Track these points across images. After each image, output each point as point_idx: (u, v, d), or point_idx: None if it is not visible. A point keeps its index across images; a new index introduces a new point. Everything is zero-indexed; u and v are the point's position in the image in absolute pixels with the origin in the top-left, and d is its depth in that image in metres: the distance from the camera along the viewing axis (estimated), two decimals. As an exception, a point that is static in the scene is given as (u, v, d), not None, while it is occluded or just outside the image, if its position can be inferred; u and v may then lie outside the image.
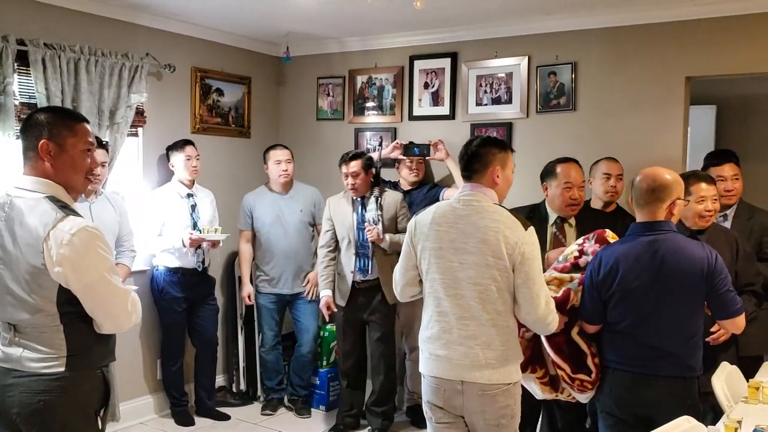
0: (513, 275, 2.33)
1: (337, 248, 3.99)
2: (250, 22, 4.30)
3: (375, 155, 4.11)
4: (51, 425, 1.94)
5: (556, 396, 2.70)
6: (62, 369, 1.94)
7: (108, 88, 3.80)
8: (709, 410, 2.68)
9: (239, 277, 4.62)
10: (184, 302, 4.10)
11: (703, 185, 2.96)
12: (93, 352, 2.01)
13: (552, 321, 2.41)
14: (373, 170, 3.94)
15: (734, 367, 2.79)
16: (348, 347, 4.03)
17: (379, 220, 3.85)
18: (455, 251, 2.37)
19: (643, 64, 3.73)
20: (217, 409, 4.32)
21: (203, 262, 4.13)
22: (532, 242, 2.36)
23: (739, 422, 2.13)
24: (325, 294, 3.98)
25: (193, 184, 4.17)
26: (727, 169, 3.32)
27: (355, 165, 3.83)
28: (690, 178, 2.98)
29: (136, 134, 4.15)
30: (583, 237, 2.76)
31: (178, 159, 4.09)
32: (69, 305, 1.93)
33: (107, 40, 3.86)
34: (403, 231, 3.85)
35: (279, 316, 4.42)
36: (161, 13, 4.07)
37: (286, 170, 4.28)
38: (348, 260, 3.91)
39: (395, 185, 4.31)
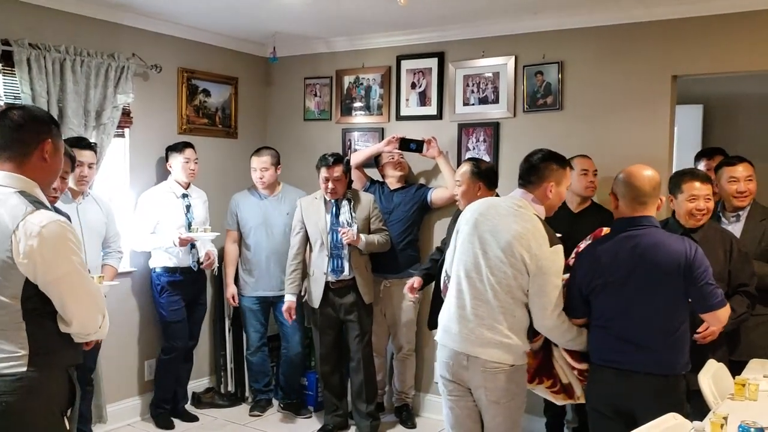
0: (528, 280, 2.51)
1: (305, 251, 4.00)
2: (237, 23, 4.28)
3: (352, 157, 4.14)
4: (15, 427, 1.89)
5: (574, 401, 2.79)
6: (24, 369, 1.89)
7: (94, 89, 3.77)
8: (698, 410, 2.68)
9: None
10: (184, 300, 4.11)
11: (697, 184, 2.93)
12: (57, 351, 1.97)
13: (564, 333, 2.56)
14: (349, 173, 3.98)
15: (721, 364, 2.79)
16: (325, 350, 4.02)
17: (353, 222, 3.85)
18: (483, 241, 2.59)
19: (630, 63, 3.74)
20: (185, 408, 4.29)
21: (198, 260, 4.13)
22: (554, 259, 2.51)
23: (725, 418, 2.13)
24: (289, 299, 3.98)
25: (189, 185, 4.17)
26: (741, 170, 3.26)
27: (338, 170, 3.83)
28: (685, 176, 3.00)
29: (122, 135, 4.13)
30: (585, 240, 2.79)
31: (176, 160, 4.09)
32: (33, 302, 1.89)
33: (93, 40, 3.83)
34: (377, 232, 3.92)
35: (263, 317, 4.40)
36: (147, 14, 4.05)
37: (262, 177, 4.28)
38: (321, 261, 3.90)
39: (383, 184, 4.31)
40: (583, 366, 2.61)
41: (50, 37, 3.60)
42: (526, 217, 2.56)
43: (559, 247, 2.54)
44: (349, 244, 3.83)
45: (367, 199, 4.00)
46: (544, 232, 2.52)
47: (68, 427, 2.02)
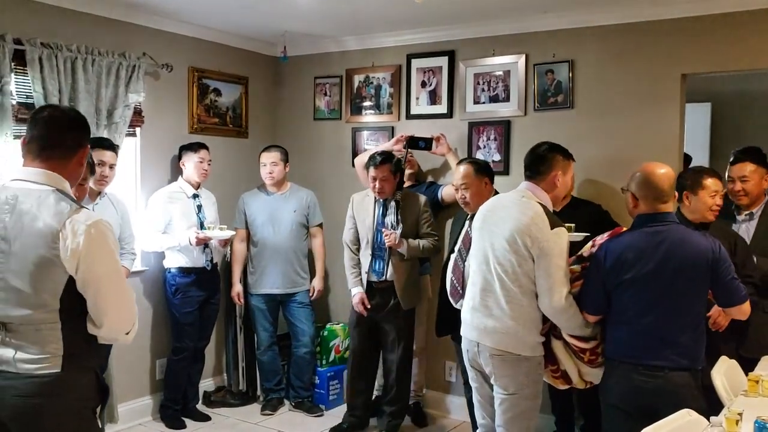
0: (533, 266, 2.58)
1: (359, 245, 3.97)
2: (247, 22, 4.30)
3: (359, 157, 4.06)
4: (47, 427, 1.90)
5: (571, 386, 2.85)
6: (58, 370, 1.90)
7: (105, 88, 3.79)
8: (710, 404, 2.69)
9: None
10: (198, 301, 4.12)
11: (717, 180, 3.03)
12: (88, 352, 1.99)
13: (570, 318, 2.58)
14: (399, 173, 3.90)
15: (733, 361, 2.81)
16: (356, 345, 4.01)
17: (398, 225, 3.82)
18: (490, 234, 2.71)
19: (639, 62, 3.74)
20: (196, 408, 4.30)
21: (211, 260, 4.15)
22: (555, 240, 2.56)
23: (740, 414, 2.14)
24: (357, 291, 3.93)
25: (199, 185, 4.19)
26: (736, 170, 3.32)
27: (385, 169, 3.80)
28: (704, 172, 3.08)
29: (134, 134, 4.15)
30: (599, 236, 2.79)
31: (190, 160, 4.11)
32: (71, 301, 1.91)
33: (104, 39, 3.85)
34: (425, 236, 3.87)
35: (272, 316, 4.41)
36: (158, 13, 4.07)
37: (271, 173, 4.29)
38: (365, 260, 3.90)
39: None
40: (590, 345, 2.62)
41: (62, 36, 3.62)
42: (528, 205, 2.64)
43: (562, 230, 2.60)
44: (390, 248, 3.81)
45: (418, 201, 3.91)
46: (544, 216, 2.59)
47: (100, 425, 2.04)
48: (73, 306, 1.92)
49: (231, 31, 4.53)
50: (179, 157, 4.18)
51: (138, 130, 4.16)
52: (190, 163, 4.11)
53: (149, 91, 4.09)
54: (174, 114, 4.36)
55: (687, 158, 4.12)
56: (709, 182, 3.01)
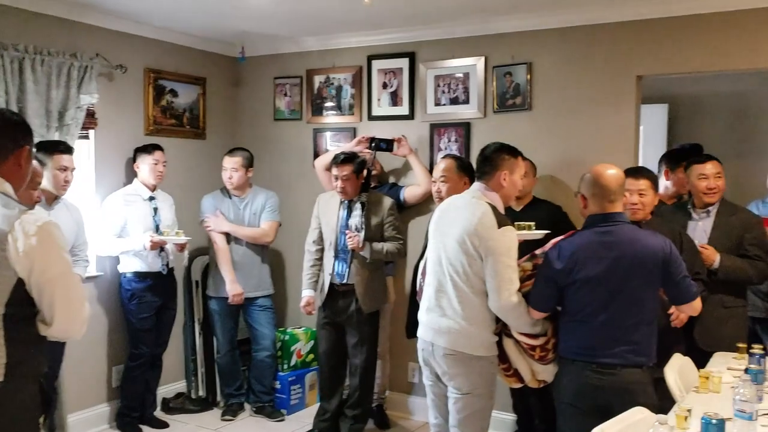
0: (482, 265, 2.61)
1: (322, 247, 3.91)
2: (204, 22, 4.23)
3: (368, 157, 3.99)
4: None
5: (524, 385, 2.87)
6: (0, 379, 1.83)
7: (56, 89, 3.69)
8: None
9: (196, 281, 4.55)
10: (154, 306, 4.03)
11: (630, 179, 2.99)
12: (32, 359, 1.93)
13: (519, 316, 2.60)
14: (364, 174, 3.85)
15: (687, 358, 2.85)
16: (325, 348, 3.97)
17: (362, 228, 3.77)
18: (443, 235, 2.75)
19: (596, 64, 3.79)
20: (154, 415, 4.22)
21: (167, 264, 4.07)
22: (502, 239, 2.60)
23: (689, 411, 2.17)
24: (306, 294, 3.91)
25: (155, 188, 4.11)
26: (710, 167, 3.35)
27: (347, 168, 3.74)
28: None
29: (87, 137, 4.05)
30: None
31: (145, 162, 4.03)
32: (17, 306, 1.84)
33: (55, 39, 3.75)
34: (390, 239, 3.83)
35: (233, 320, 4.35)
36: (112, 13, 3.98)
37: (231, 177, 4.23)
38: (327, 262, 3.85)
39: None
40: (539, 342, 2.65)
41: (9, 35, 3.51)
42: (477, 206, 2.67)
43: (508, 228, 2.63)
44: (353, 250, 3.76)
45: (384, 203, 3.85)
46: (492, 216, 2.62)
47: None
48: (19, 311, 1.86)
49: (187, 31, 4.46)
50: (134, 159, 4.10)
51: (92, 132, 4.07)
52: (145, 165, 4.04)
53: (103, 93, 4.00)
54: (129, 115, 4.27)
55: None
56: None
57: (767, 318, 3.65)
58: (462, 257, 2.64)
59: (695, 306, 2.58)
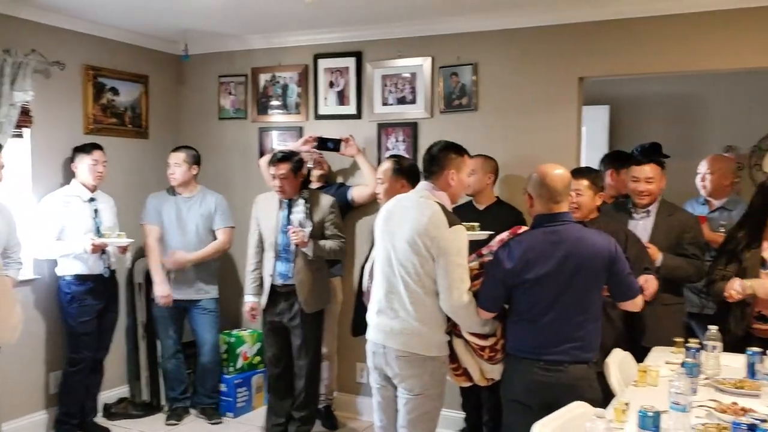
0: (434, 266, 2.59)
1: (263, 250, 3.84)
2: (146, 19, 4.12)
3: (314, 156, 3.93)
4: None
5: (473, 384, 2.89)
6: None
7: (-13, 86, 3.55)
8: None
9: (139, 283, 4.44)
10: (95, 309, 3.91)
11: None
12: None
13: (469, 316, 2.61)
14: (304, 172, 3.81)
15: (627, 353, 2.92)
16: (272, 353, 3.92)
17: (306, 223, 3.73)
18: (391, 235, 2.71)
19: (539, 65, 3.85)
20: (94, 421, 4.10)
21: (109, 267, 3.96)
22: (452, 239, 2.59)
23: (627, 404, 2.22)
24: (248, 300, 3.84)
25: (95, 189, 3.98)
26: (646, 170, 3.44)
27: (284, 167, 3.69)
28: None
29: (20, 135, 3.89)
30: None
31: (83, 162, 3.90)
32: None
33: (-14, 34, 3.61)
34: (332, 238, 3.79)
35: (177, 323, 4.27)
36: (49, 8, 3.84)
37: (173, 173, 4.16)
38: (268, 263, 3.78)
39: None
40: (488, 342, 2.67)
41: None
42: (426, 205, 2.65)
43: (460, 228, 2.63)
44: (297, 246, 3.69)
45: (325, 201, 3.81)
46: (442, 215, 2.61)
47: None
48: None
49: (129, 28, 4.34)
50: (72, 159, 3.97)
51: (27, 131, 3.91)
52: (84, 165, 3.91)
53: (39, 90, 3.85)
54: (67, 114, 4.13)
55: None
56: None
57: (702, 313, 3.78)
58: (413, 258, 2.61)
59: (637, 302, 2.65)
